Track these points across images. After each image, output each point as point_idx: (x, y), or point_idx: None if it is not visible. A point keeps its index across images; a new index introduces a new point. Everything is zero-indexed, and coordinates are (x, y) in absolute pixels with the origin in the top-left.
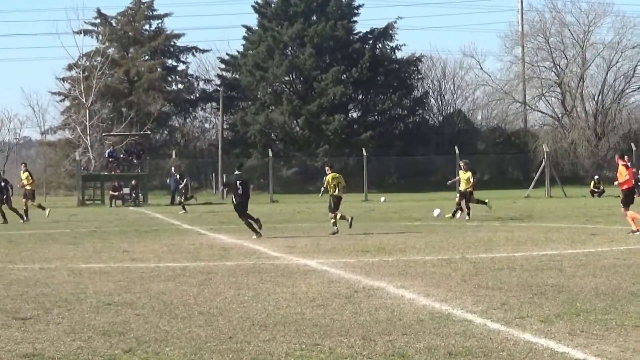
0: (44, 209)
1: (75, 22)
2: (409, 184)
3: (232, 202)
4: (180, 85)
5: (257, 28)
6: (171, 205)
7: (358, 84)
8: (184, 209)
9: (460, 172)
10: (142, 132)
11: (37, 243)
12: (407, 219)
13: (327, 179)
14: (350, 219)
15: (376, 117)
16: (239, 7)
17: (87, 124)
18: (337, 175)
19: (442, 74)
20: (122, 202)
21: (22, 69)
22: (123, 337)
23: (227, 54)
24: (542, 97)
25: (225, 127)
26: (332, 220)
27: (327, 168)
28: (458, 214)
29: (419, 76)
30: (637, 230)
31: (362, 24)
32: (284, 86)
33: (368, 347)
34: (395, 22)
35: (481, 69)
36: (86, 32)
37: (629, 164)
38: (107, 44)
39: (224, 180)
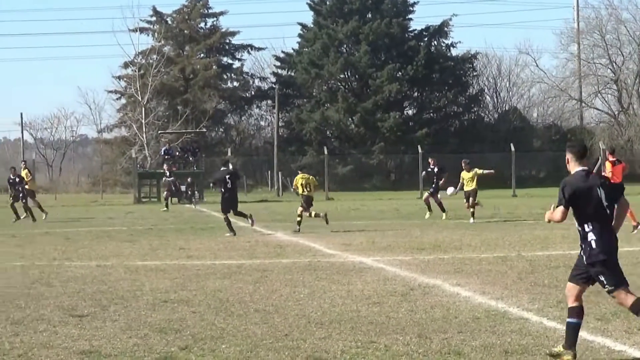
0: (42, 210)
1: (131, 20)
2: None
3: (221, 197)
4: (235, 83)
5: (312, 26)
6: None
7: (413, 81)
8: (166, 206)
9: (463, 172)
10: (197, 130)
11: (93, 240)
12: (463, 216)
13: (296, 180)
14: (324, 215)
15: (431, 114)
16: (294, 4)
17: (143, 121)
18: (306, 175)
19: (497, 71)
20: (178, 200)
21: (79, 67)
22: (179, 334)
23: (282, 52)
24: (598, 94)
25: (280, 124)
26: (298, 219)
27: (298, 170)
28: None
29: (474, 73)
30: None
31: (417, 22)
32: (339, 84)
33: (424, 344)
34: (451, 19)
35: (537, 66)
36: (142, 30)
37: (616, 160)
38: (162, 41)
39: (212, 178)
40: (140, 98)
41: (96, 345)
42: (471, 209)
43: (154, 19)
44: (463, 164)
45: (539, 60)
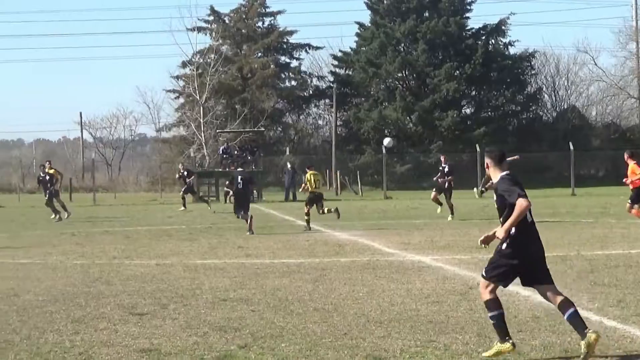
0: (65, 210)
1: (189, 20)
2: (523, 181)
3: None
4: (293, 82)
5: (369, 25)
6: (285, 201)
7: (471, 80)
8: (184, 206)
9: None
10: (256, 129)
11: (153, 239)
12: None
13: (306, 177)
14: (335, 209)
15: (489, 113)
16: (352, 3)
17: (202, 120)
18: (316, 173)
19: (555, 70)
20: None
21: (137, 67)
22: (239, 332)
23: (340, 51)
24: None
25: (338, 123)
26: (306, 218)
27: (307, 167)
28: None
29: (532, 72)
30: None
31: (475, 20)
32: (397, 82)
33: (483, 344)
34: (508, 17)
35: (595, 64)
36: (199, 29)
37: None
38: (220, 41)
39: (230, 178)
40: (198, 97)
41: (156, 343)
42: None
43: (211, 18)
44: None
45: (597, 59)
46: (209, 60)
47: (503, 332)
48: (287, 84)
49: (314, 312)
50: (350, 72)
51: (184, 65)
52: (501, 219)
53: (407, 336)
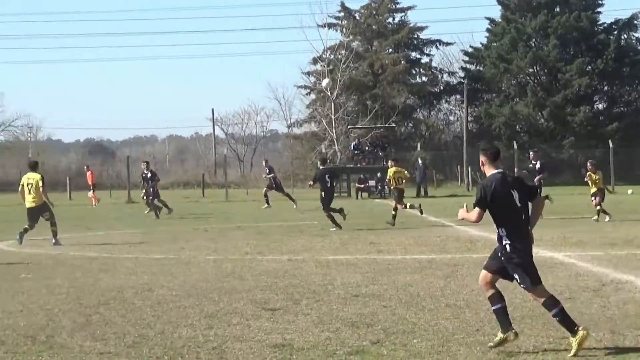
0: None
1: (320, 16)
2: None
3: (321, 195)
4: (424, 78)
5: (500, 20)
6: (417, 197)
7: (603, 75)
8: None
9: (589, 173)
10: (387, 125)
11: (285, 235)
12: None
13: (389, 173)
14: (419, 206)
15: (622, 108)
16: None
17: (333, 116)
18: (399, 169)
19: None
20: (368, 195)
21: (268, 63)
22: (371, 328)
23: (470, 47)
24: None
25: (469, 119)
26: (393, 213)
27: (390, 162)
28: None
29: None
30: None
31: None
32: (528, 78)
33: (617, 341)
34: None
35: None
36: (330, 25)
37: None
38: (351, 37)
39: (313, 176)
40: (329, 93)
41: (288, 338)
42: (597, 208)
43: (342, 14)
44: (589, 165)
45: None
46: (339, 56)
47: (507, 323)
48: (418, 79)
49: (445, 308)
50: (481, 68)
51: (314, 61)
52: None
53: (540, 333)
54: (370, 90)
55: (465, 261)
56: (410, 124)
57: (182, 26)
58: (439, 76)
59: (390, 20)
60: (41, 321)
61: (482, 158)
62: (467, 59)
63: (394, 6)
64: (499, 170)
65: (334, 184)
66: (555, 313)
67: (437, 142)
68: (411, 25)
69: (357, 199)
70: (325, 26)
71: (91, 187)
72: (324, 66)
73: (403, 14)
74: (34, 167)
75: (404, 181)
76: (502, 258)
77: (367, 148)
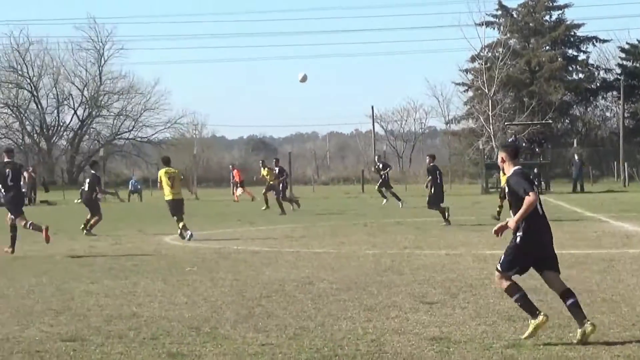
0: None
1: (477, 15)
2: None
3: (430, 191)
4: (580, 75)
5: None
6: (573, 192)
7: None
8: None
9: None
10: (543, 121)
11: (443, 230)
12: None
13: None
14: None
15: None
16: None
17: (490, 113)
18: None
19: None
20: None
21: (427, 61)
22: (527, 322)
23: (627, 43)
24: None
25: (626, 115)
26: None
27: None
28: None
29: None
30: None
31: None
32: None
33: None
34: None
35: None
36: (488, 23)
37: None
38: (508, 35)
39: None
40: (486, 90)
41: (446, 331)
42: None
43: (499, 12)
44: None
45: None
46: (497, 54)
47: (532, 309)
48: (575, 76)
49: (601, 302)
50: (638, 65)
51: (472, 59)
52: (512, 211)
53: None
54: (527, 87)
55: (621, 256)
56: (566, 121)
57: (344, 25)
58: (596, 73)
59: (547, 17)
60: (205, 313)
61: (502, 155)
62: (623, 55)
63: (550, 4)
64: (519, 167)
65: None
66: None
67: (594, 138)
68: (568, 22)
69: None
70: (483, 24)
71: (238, 185)
72: (482, 64)
73: (560, 11)
74: (167, 162)
75: None
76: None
77: (524, 144)
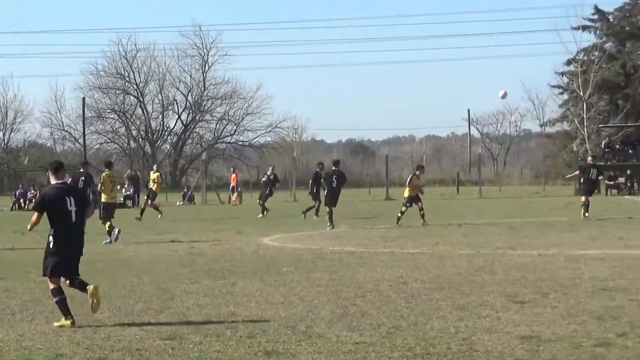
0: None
1: (574, 19)
2: None
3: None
4: None
5: None
6: None
7: None
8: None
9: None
10: (637, 124)
11: (535, 230)
12: None
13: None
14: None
15: None
16: None
17: (584, 116)
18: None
19: None
20: (617, 191)
21: (523, 65)
22: (617, 321)
23: None
24: None
25: None
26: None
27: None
28: None
29: None
30: None
31: None
32: None
33: None
34: None
35: None
36: (584, 27)
37: None
38: (604, 38)
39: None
40: (581, 93)
41: (536, 330)
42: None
43: (595, 16)
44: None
45: None
46: (592, 57)
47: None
48: None
49: None
50: None
51: (568, 62)
52: None
53: None
54: (621, 90)
55: None
56: None
57: (441, 31)
58: None
59: None
60: (301, 312)
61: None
62: None
63: None
64: None
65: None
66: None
67: None
68: None
69: (607, 195)
70: (579, 28)
71: (234, 188)
72: (577, 67)
73: None
74: (110, 165)
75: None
76: None
77: (617, 146)
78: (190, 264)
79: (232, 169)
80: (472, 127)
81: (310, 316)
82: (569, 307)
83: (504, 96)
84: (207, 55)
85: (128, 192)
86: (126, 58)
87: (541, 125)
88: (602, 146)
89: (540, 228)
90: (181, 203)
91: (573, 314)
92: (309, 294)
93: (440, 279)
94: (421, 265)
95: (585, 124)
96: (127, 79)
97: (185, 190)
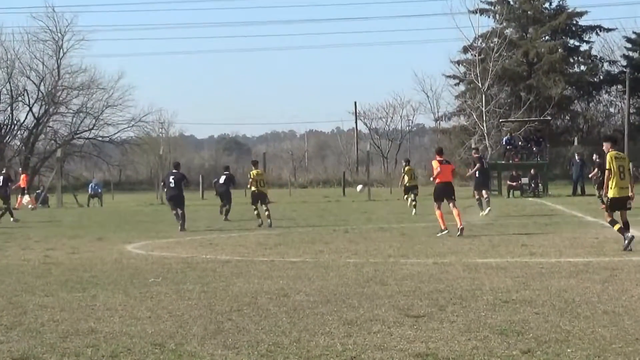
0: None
1: (471, 2)
2: None
3: (166, 197)
4: (582, 67)
5: None
6: (573, 195)
7: None
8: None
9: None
10: (541, 118)
11: (430, 236)
12: None
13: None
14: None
15: None
16: None
17: (483, 109)
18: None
19: None
20: (520, 193)
21: (415, 52)
22: (521, 337)
23: (633, 32)
24: None
25: (631, 111)
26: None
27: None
28: None
29: None
30: None
31: None
32: None
33: None
34: None
35: None
36: (482, 11)
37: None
38: (504, 23)
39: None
40: (480, 84)
41: (433, 347)
42: None
43: None
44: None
45: None
46: (491, 44)
47: None
48: (576, 69)
49: (602, 315)
50: None
51: (465, 50)
52: None
53: None
54: (524, 80)
55: (624, 264)
56: (567, 117)
57: (323, 14)
58: (599, 65)
59: (547, 5)
60: (170, 328)
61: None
62: (629, 46)
63: None
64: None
65: (181, 186)
66: None
67: (596, 136)
68: (569, 10)
69: (509, 197)
70: (477, 12)
71: (25, 191)
72: (475, 55)
73: None
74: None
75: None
76: None
77: (520, 143)
78: (44, 275)
79: (20, 168)
80: (359, 121)
81: (180, 332)
82: (469, 321)
83: (362, 191)
84: (62, 40)
85: None
86: None
87: (436, 120)
88: (503, 142)
89: (435, 234)
90: (33, 206)
91: (473, 329)
92: (178, 307)
93: (326, 291)
94: (304, 275)
95: (484, 118)
96: None
97: (38, 191)
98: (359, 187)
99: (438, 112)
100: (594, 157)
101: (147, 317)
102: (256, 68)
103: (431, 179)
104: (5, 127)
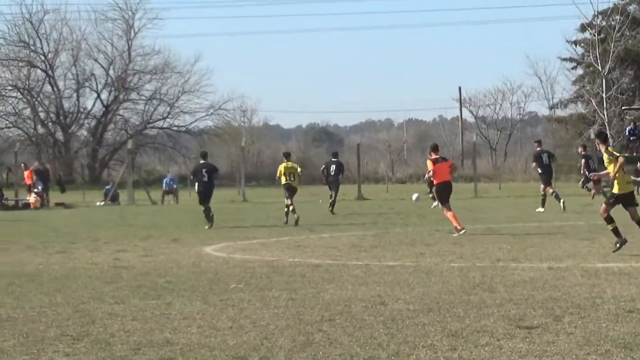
0: None
1: None
2: None
3: (196, 190)
4: None
5: None
6: None
7: None
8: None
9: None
10: None
11: (545, 238)
12: None
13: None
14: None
15: None
16: None
17: (604, 95)
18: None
19: None
20: None
21: (527, 32)
22: None
23: None
24: None
25: None
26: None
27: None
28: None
29: None
30: None
31: None
32: None
33: None
34: None
35: None
36: None
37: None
38: (627, 0)
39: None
40: (600, 67)
41: None
42: None
43: None
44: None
45: None
46: (613, 22)
47: None
48: None
49: None
50: None
51: (582, 28)
52: None
53: None
54: None
55: None
56: None
57: None
58: None
59: None
60: (254, 340)
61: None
62: None
63: None
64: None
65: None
66: None
67: None
68: None
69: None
70: None
71: (31, 189)
72: (594, 34)
73: None
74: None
75: None
76: None
77: None
78: (114, 280)
79: (22, 164)
80: (464, 109)
81: (265, 345)
82: (588, 333)
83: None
84: (133, 19)
85: (36, 189)
86: (31, 22)
87: (550, 108)
88: (626, 133)
89: (550, 235)
90: (102, 203)
91: (593, 342)
92: (263, 317)
93: (427, 299)
94: (403, 281)
95: (604, 105)
96: (33, 47)
97: (107, 187)
98: (415, 195)
99: (553, 98)
100: None
101: (229, 327)
102: (349, 50)
103: (424, 178)
104: (70, 115)
